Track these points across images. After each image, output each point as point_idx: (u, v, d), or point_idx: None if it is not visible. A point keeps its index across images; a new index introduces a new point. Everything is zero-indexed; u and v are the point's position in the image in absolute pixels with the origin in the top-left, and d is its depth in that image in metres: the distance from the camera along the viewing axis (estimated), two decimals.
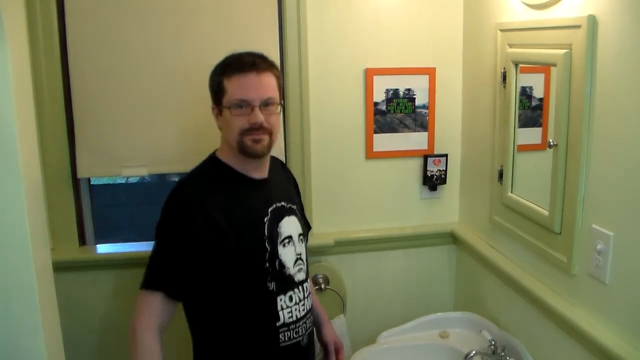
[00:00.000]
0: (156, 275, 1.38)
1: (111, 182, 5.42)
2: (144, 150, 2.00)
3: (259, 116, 1.37)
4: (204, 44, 1.96)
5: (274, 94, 1.42)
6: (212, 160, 1.48)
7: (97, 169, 2.02)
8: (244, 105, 1.38)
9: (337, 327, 1.99)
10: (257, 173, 1.48)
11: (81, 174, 2.00)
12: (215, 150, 1.51)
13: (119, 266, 2.06)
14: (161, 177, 5.03)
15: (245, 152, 1.41)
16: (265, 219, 1.44)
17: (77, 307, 2.01)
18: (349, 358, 1.90)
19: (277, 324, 1.43)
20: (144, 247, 2.14)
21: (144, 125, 1.99)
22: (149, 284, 1.37)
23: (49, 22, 1.87)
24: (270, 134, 1.42)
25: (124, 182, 5.63)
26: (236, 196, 1.42)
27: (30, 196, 1.16)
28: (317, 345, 1.69)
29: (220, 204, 1.38)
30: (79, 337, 2.02)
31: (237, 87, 1.38)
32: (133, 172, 2.06)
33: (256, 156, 1.42)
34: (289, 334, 1.45)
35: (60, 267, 1.73)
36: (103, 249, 2.10)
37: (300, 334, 1.48)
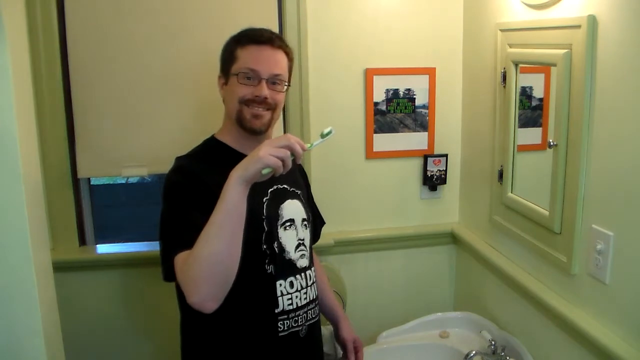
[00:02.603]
0: (182, 234, 1.26)
1: (111, 182, 5.42)
2: (144, 150, 2.00)
3: (265, 89, 1.38)
4: (203, 45, 1.96)
5: (284, 72, 1.42)
6: (209, 141, 1.48)
7: (97, 169, 2.02)
8: (252, 76, 1.38)
9: None
10: (242, 147, 1.43)
11: (81, 174, 2.00)
12: (213, 134, 1.50)
13: (119, 266, 2.06)
14: (161, 177, 5.04)
15: (242, 125, 1.40)
16: (265, 199, 1.41)
17: (77, 307, 2.01)
18: None
19: (276, 311, 1.38)
20: (144, 247, 2.15)
21: (144, 125, 1.99)
22: (180, 245, 1.24)
23: (49, 22, 1.87)
24: (273, 110, 1.41)
25: (124, 182, 5.63)
26: (221, 166, 1.30)
27: (30, 196, 1.16)
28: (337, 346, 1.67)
29: (216, 179, 1.26)
30: (79, 337, 2.02)
31: (249, 56, 1.38)
32: (133, 172, 2.06)
33: (253, 132, 1.40)
34: (288, 322, 1.41)
35: (60, 267, 1.73)
36: (103, 249, 2.10)
37: (299, 323, 1.43)
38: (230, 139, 1.44)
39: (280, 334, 1.40)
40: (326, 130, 1.31)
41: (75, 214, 2.03)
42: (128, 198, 5.69)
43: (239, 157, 1.28)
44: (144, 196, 5.63)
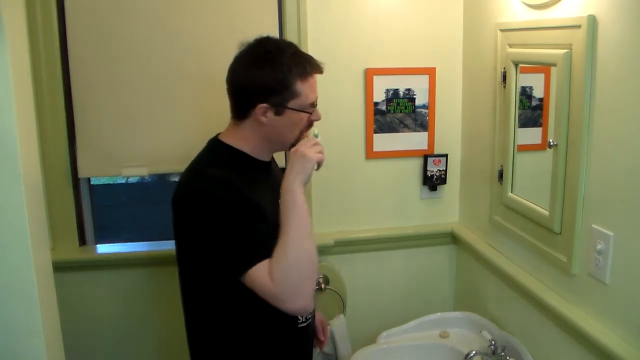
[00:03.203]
0: (256, 246, 1.28)
1: (111, 182, 5.43)
2: (144, 150, 2.00)
3: (320, 114, 1.42)
4: (203, 45, 1.97)
5: None
6: (227, 148, 1.41)
7: (97, 169, 2.02)
8: (315, 105, 1.40)
9: (337, 327, 2.00)
10: (266, 157, 1.46)
11: (81, 174, 2.00)
12: (216, 138, 1.44)
13: (119, 266, 2.06)
14: (161, 177, 5.04)
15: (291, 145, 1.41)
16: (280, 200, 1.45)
17: (77, 307, 2.01)
18: (349, 358, 1.91)
19: None
20: (144, 247, 2.15)
21: (144, 125, 1.99)
22: (257, 257, 1.26)
23: (49, 22, 1.87)
24: None
25: (124, 182, 5.63)
26: (252, 176, 1.38)
27: (30, 196, 1.16)
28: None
29: (247, 188, 1.32)
30: (79, 337, 2.03)
31: (309, 90, 1.36)
32: (133, 172, 2.06)
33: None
34: (305, 314, 1.46)
35: (60, 267, 1.73)
36: (103, 249, 2.10)
37: (311, 314, 1.49)
38: (249, 148, 1.41)
39: (299, 325, 1.45)
40: (315, 132, 1.42)
41: (75, 214, 2.03)
42: (128, 198, 5.69)
43: (259, 164, 1.43)
44: (144, 196, 5.63)
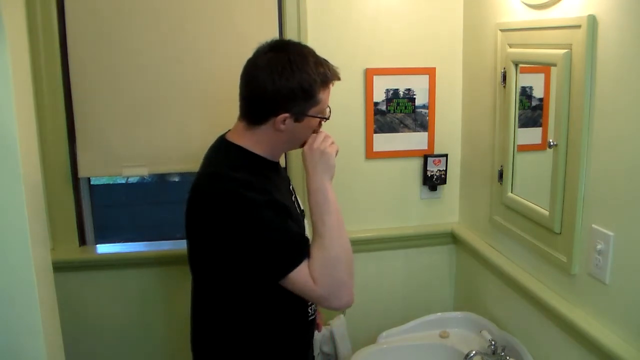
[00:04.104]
0: (295, 248, 1.29)
1: (111, 182, 5.42)
2: (144, 150, 2.00)
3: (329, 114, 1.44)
4: (203, 45, 1.97)
5: None
6: (243, 152, 1.39)
7: (97, 169, 2.02)
8: (329, 108, 1.41)
9: (337, 327, 1.99)
10: (276, 158, 1.47)
11: (81, 173, 2.00)
12: (227, 140, 1.41)
13: (119, 266, 2.06)
14: (161, 177, 5.04)
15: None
16: (293, 197, 1.50)
17: (77, 307, 2.02)
18: (349, 358, 1.91)
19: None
20: (144, 247, 2.15)
21: (144, 125, 1.99)
22: (294, 263, 1.26)
23: (49, 22, 1.87)
24: None
25: (124, 182, 5.63)
26: (268, 177, 1.40)
27: (30, 196, 1.16)
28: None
29: (265, 184, 1.33)
30: (79, 337, 2.03)
31: (326, 96, 1.38)
32: (133, 172, 2.06)
33: None
34: (312, 307, 1.48)
35: (60, 267, 1.73)
36: (103, 249, 2.10)
37: (315, 308, 1.51)
38: (262, 150, 1.39)
39: (310, 318, 1.47)
40: None
41: (75, 214, 2.03)
42: (128, 198, 5.68)
43: (270, 164, 1.42)
44: (144, 196, 5.63)
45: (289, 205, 1.36)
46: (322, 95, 1.35)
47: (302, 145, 1.41)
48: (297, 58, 1.32)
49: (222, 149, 1.41)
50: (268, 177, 1.38)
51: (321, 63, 1.35)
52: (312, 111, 1.35)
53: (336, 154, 1.38)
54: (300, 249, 1.29)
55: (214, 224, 1.29)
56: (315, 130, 1.41)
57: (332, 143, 1.38)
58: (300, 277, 1.26)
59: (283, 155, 2.01)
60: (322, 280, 1.26)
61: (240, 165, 1.36)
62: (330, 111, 1.44)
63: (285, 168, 2.08)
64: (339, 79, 1.39)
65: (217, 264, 1.35)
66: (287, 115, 1.32)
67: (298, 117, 1.34)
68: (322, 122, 1.42)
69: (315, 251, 1.28)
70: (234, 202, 1.26)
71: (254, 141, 1.38)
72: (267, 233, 1.26)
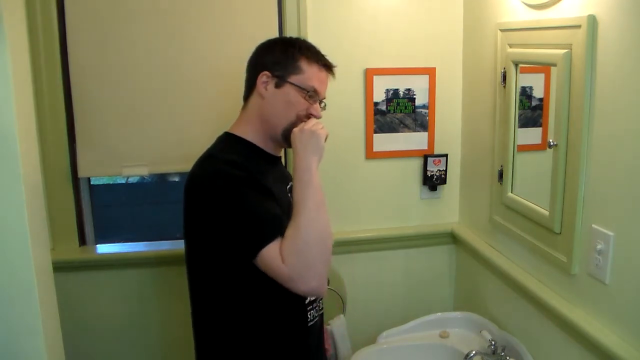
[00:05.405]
0: (269, 225, 1.27)
1: (111, 182, 5.42)
2: (144, 150, 2.00)
3: (320, 111, 1.43)
4: (203, 44, 1.97)
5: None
6: (237, 139, 1.43)
7: (97, 169, 2.02)
8: (314, 96, 1.40)
9: (337, 327, 1.99)
10: (277, 152, 1.48)
11: (81, 173, 2.00)
12: (225, 132, 1.46)
13: (119, 266, 2.06)
14: (161, 177, 5.04)
15: (287, 141, 1.40)
16: (289, 195, 1.47)
17: (77, 307, 2.02)
18: (349, 358, 1.91)
19: (306, 302, 1.43)
20: (144, 247, 2.15)
21: (144, 125, 1.99)
22: (265, 239, 1.25)
23: (49, 22, 1.87)
24: None
25: (124, 182, 5.63)
26: (262, 167, 1.40)
27: (30, 196, 1.16)
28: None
29: (254, 168, 1.34)
30: (79, 337, 2.03)
31: (315, 76, 1.40)
32: (133, 172, 2.06)
33: (288, 146, 1.41)
34: (312, 312, 1.46)
35: (60, 267, 1.73)
36: (103, 249, 2.10)
37: (318, 313, 1.49)
38: (257, 139, 1.42)
39: (309, 324, 1.45)
40: None
41: (75, 214, 2.03)
42: (128, 198, 5.69)
43: (269, 157, 1.44)
44: (144, 196, 5.63)
45: (276, 193, 1.34)
46: (305, 66, 1.38)
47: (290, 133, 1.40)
48: (291, 38, 1.43)
49: (220, 138, 1.46)
50: (260, 165, 1.39)
51: (315, 49, 1.42)
52: (293, 79, 1.37)
53: (325, 139, 1.36)
54: (273, 226, 1.27)
55: (201, 202, 1.32)
56: (301, 120, 1.40)
57: (323, 127, 1.36)
58: (270, 254, 1.24)
59: (283, 155, 2.02)
60: (289, 259, 1.23)
61: (230, 148, 1.40)
62: (325, 105, 1.45)
63: (285, 167, 2.08)
64: (329, 68, 1.43)
65: (203, 247, 1.35)
66: (267, 74, 1.37)
67: (279, 82, 1.37)
68: (309, 113, 1.40)
69: (289, 230, 1.26)
70: (218, 178, 1.30)
71: (244, 121, 1.43)
72: (243, 207, 1.27)
